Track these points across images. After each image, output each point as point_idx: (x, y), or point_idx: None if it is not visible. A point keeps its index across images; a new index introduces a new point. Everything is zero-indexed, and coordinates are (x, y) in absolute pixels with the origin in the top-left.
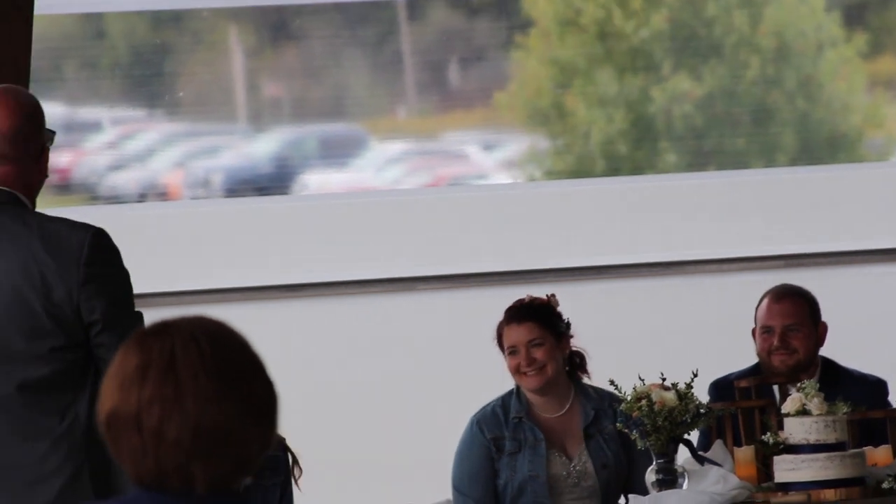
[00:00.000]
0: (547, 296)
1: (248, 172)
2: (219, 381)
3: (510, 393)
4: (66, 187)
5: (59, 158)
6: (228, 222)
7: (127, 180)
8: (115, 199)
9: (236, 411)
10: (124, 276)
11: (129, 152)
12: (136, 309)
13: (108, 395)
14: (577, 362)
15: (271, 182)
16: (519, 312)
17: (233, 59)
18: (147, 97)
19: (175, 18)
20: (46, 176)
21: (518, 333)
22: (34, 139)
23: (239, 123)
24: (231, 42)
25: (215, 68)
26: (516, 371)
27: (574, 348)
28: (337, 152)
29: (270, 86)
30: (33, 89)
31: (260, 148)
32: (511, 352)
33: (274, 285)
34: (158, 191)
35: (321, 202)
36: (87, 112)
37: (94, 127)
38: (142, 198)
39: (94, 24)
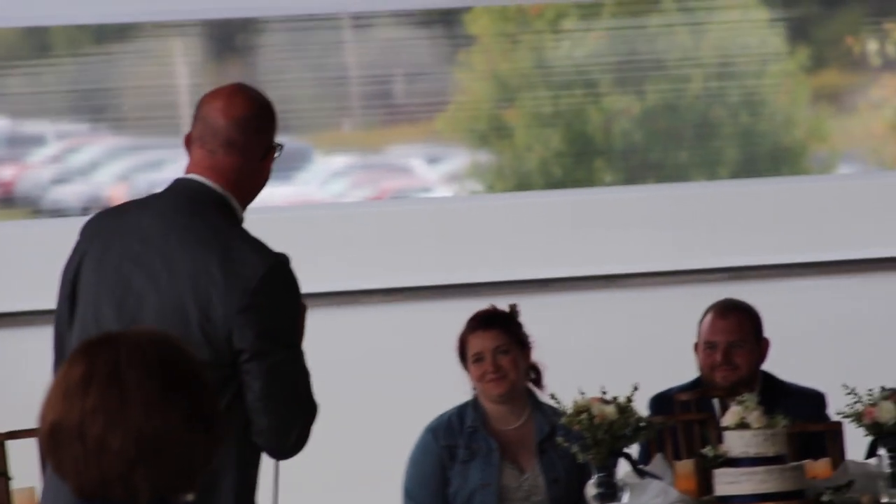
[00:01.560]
0: (510, 306)
1: None
2: (163, 391)
3: (467, 403)
4: (9, 201)
5: (1, 172)
6: None
7: (70, 194)
8: (59, 212)
9: (181, 421)
10: (290, 312)
11: (73, 166)
12: (294, 346)
13: (52, 406)
14: (533, 377)
15: None
16: (485, 320)
17: (177, 73)
18: (91, 111)
19: (120, 32)
20: (265, 183)
21: (484, 340)
22: (264, 135)
23: (183, 137)
24: (176, 56)
25: (160, 82)
26: (481, 378)
27: (533, 362)
28: (281, 165)
29: None
30: None
31: None
32: (476, 359)
33: None
34: (102, 204)
35: (265, 216)
36: (31, 125)
37: (38, 140)
38: (85, 211)
39: (38, 37)
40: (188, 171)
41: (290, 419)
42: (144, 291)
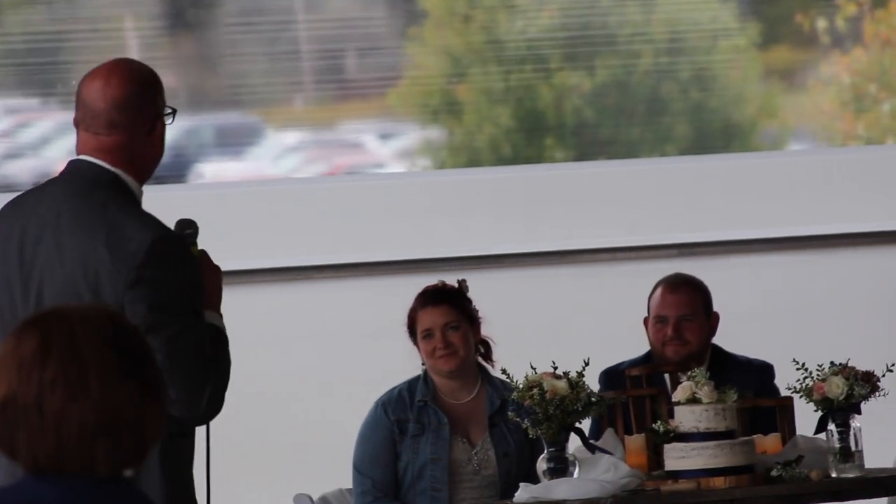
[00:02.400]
0: (458, 281)
1: None
2: (120, 364)
3: (417, 378)
4: None
5: None
6: None
7: (21, 169)
8: (9, 187)
9: (137, 394)
10: (179, 283)
11: (24, 141)
12: (189, 315)
13: (4, 380)
14: (482, 351)
15: (167, 171)
16: (434, 296)
17: (128, 49)
18: (41, 86)
19: (70, 7)
20: (161, 153)
21: (434, 316)
22: (147, 109)
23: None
24: (127, 31)
25: (110, 57)
26: (431, 354)
27: (482, 336)
28: (233, 141)
29: (166, 75)
30: None
31: None
32: (426, 335)
33: None
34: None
35: (217, 191)
36: None
37: None
38: (36, 185)
39: None
40: (79, 152)
41: (197, 388)
42: (44, 277)
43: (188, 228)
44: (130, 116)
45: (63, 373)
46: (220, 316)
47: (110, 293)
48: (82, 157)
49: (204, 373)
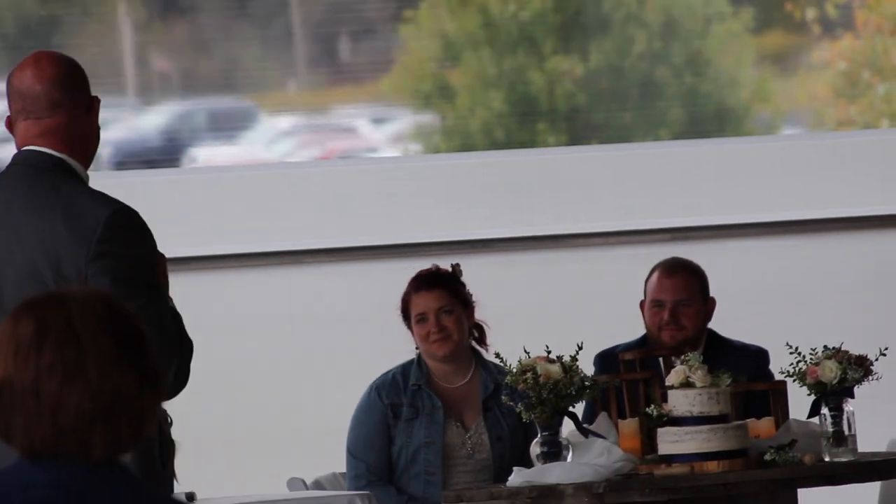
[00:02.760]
0: (452, 265)
1: (137, 146)
2: (117, 347)
3: (411, 361)
4: None
5: None
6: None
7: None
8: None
9: (133, 377)
10: (140, 255)
11: None
12: (152, 287)
13: (0, 364)
14: (476, 335)
15: (160, 156)
16: (428, 280)
17: (121, 33)
18: None
19: None
20: (98, 133)
21: (427, 300)
22: (82, 86)
23: (128, 97)
24: (119, 15)
25: (104, 41)
26: (425, 338)
27: (476, 320)
28: (226, 126)
29: (159, 59)
30: None
31: (149, 122)
32: (420, 319)
33: None
34: None
35: (210, 175)
36: None
37: None
38: None
39: None
40: (21, 144)
41: (163, 361)
42: (2, 265)
43: None
44: (69, 93)
45: (60, 357)
46: (171, 299)
47: (72, 270)
48: (27, 147)
49: (170, 346)
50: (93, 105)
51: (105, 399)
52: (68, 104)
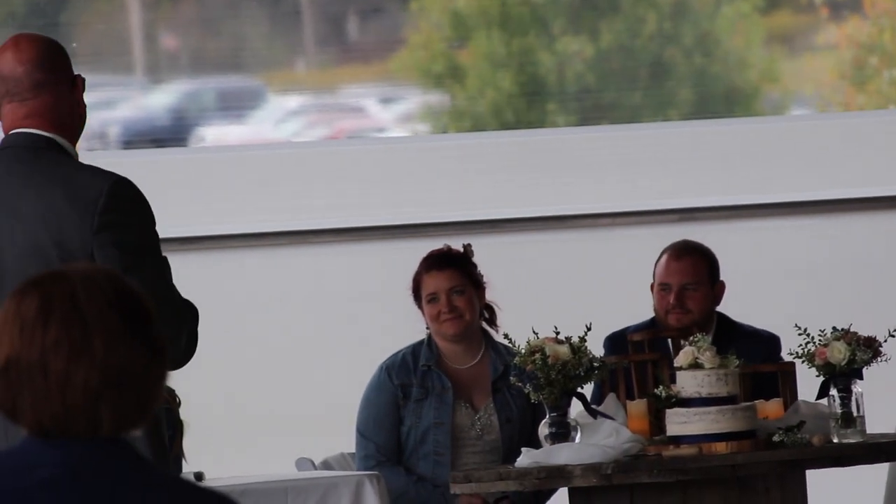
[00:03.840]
0: (464, 246)
1: (145, 125)
2: (125, 321)
3: (421, 342)
4: None
5: None
6: (125, 174)
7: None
8: None
9: (142, 352)
10: (144, 224)
11: None
12: (157, 255)
13: (6, 342)
14: (487, 317)
15: (168, 134)
16: (440, 260)
17: (130, 11)
18: None
19: None
20: (85, 110)
21: (439, 280)
22: (63, 64)
23: (136, 76)
24: None
25: (112, 20)
26: (436, 318)
27: (487, 301)
28: (234, 105)
29: (168, 38)
30: None
31: (157, 100)
32: (431, 299)
33: (170, 238)
34: None
35: (218, 154)
36: None
37: None
38: None
39: None
40: (8, 128)
41: (175, 328)
42: (3, 244)
43: None
44: (51, 73)
45: (66, 334)
46: None
47: (76, 244)
48: (15, 129)
49: (182, 310)
50: (76, 83)
51: (112, 375)
52: (51, 84)
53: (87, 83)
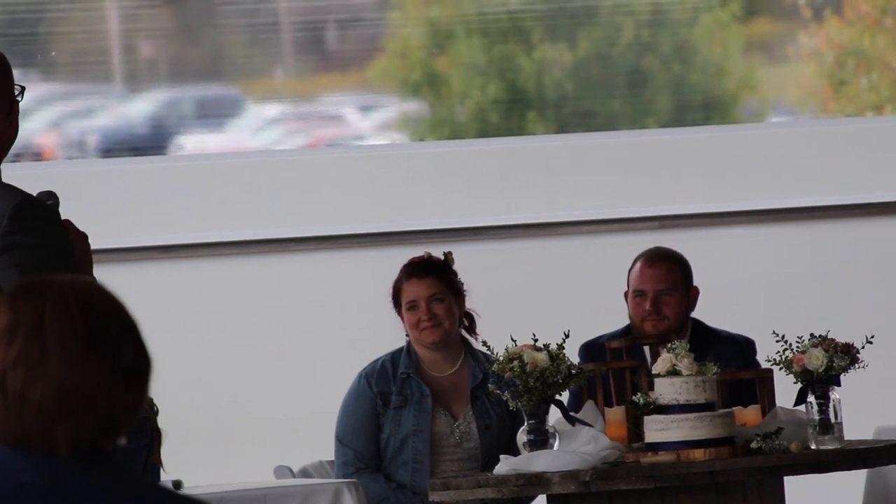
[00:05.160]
0: (444, 254)
1: (124, 133)
2: (86, 344)
3: (400, 349)
4: None
5: None
6: (104, 183)
7: None
8: None
9: (103, 375)
10: (48, 244)
11: None
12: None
13: None
14: (466, 324)
15: (147, 143)
16: (419, 268)
17: (109, 20)
18: (21, 57)
19: None
20: (17, 132)
21: (419, 288)
22: (3, 92)
23: (115, 84)
24: (107, 3)
25: (91, 29)
26: (415, 326)
27: (466, 309)
28: (213, 113)
29: (146, 47)
30: None
31: (136, 109)
32: (410, 307)
33: (149, 246)
34: (32, 151)
35: (198, 163)
36: None
37: None
38: (16, 158)
39: None
40: None
41: None
42: None
43: (49, 200)
44: None
45: (24, 354)
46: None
47: None
48: None
49: None
50: (13, 107)
51: (68, 396)
52: None
53: (65, 92)
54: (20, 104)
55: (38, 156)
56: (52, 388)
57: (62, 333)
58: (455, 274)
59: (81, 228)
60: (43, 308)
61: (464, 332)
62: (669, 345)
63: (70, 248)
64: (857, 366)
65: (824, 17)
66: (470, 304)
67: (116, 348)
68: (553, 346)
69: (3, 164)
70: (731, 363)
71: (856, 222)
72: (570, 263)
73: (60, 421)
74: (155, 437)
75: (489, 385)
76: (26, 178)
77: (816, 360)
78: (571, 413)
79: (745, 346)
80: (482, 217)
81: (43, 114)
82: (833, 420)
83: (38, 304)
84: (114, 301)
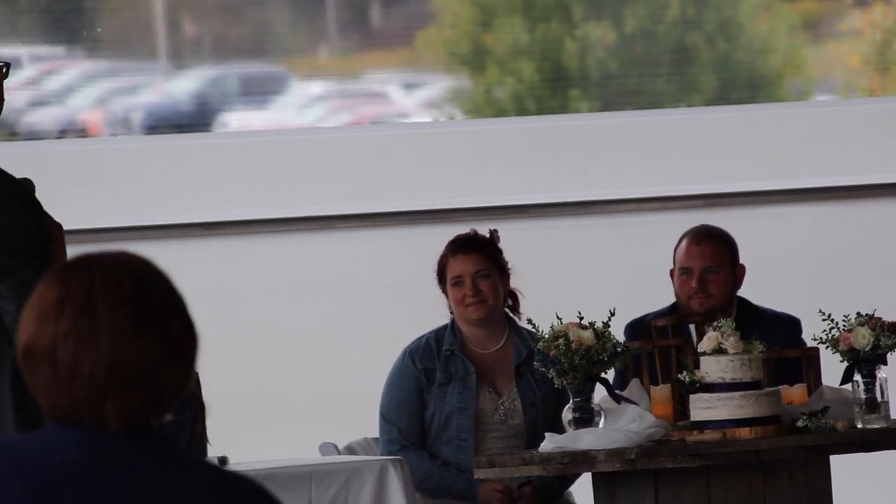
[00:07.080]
0: (490, 231)
1: (169, 110)
2: (135, 318)
3: (445, 326)
4: None
5: None
6: (148, 160)
7: (46, 117)
8: (35, 135)
9: (152, 349)
10: (25, 225)
11: (49, 89)
12: (41, 258)
13: (26, 327)
14: (510, 303)
15: (191, 120)
16: (465, 244)
17: None
18: (66, 34)
19: None
20: (2, 100)
21: (464, 264)
22: None
23: (159, 61)
24: None
25: (135, 6)
26: (460, 302)
27: (511, 288)
28: (258, 91)
29: (191, 24)
30: None
31: (180, 86)
32: (456, 282)
33: (193, 223)
34: (77, 128)
35: (242, 140)
36: (6, 49)
37: (13, 63)
38: (61, 135)
39: None
40: None
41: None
42: None
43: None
44: None
45: (75, 326)
46: None
47: None
48: None
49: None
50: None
51: (117, 370)
52: None
53: (110, 69)
54: (5, 80)
55: (83, 132)
56: (103, 361)
57: (111, 307)
58: (500, 252)
59: (126, 205)
60: (92, 281)
61: (507, 311)
62: (715, 323)
63: (45, 230)
64: None
65: (868, 3)
66: (515, 281)
67: (165, 324)
68: (598, 324)
69: (49, 141)
70: (776, 342)
71: None
72: (615, 242)
73: (110, 394)
74: (199, 409)
75: (534, 362)
76: (72, 154)
77: (863, 338)
78: (617, 391)
79: (790, 325)
80: (526, 195)
81: (88, 91)
82: (879, 399)
83: (87, 277)
84: (162, 277)
